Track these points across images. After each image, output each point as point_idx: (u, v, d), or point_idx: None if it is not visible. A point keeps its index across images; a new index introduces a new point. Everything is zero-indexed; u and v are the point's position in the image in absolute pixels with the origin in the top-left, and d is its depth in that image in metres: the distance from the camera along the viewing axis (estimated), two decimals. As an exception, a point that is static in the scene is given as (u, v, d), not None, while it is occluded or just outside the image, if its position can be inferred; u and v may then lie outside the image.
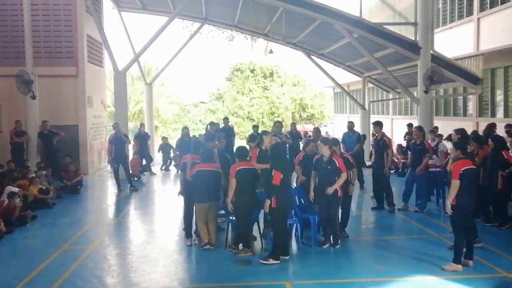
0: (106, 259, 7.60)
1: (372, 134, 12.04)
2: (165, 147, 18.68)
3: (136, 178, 15.41)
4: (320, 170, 7.74)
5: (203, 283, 6.56)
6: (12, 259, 7.58)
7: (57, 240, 8.53)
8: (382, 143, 10.36)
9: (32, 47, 14.76)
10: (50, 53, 16.34)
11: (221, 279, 6.56)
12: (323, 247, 7.72)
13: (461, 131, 9.31)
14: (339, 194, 7.65)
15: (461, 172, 6.57)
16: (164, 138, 20.07)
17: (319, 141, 8.02)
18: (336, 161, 7.59)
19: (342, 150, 13.10)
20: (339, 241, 7.81)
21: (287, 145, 11.42)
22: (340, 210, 8.19)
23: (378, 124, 10.66)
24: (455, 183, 6.57)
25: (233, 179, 7.42)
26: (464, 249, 6.75)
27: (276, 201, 7.07)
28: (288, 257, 7.25)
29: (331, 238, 7.79)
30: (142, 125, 18.56)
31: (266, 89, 42.49)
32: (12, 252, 8.00)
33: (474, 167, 6.79)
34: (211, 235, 7.85)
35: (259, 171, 7.84)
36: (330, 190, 7.49)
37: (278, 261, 7.02)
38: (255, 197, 7.70)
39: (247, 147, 9.15)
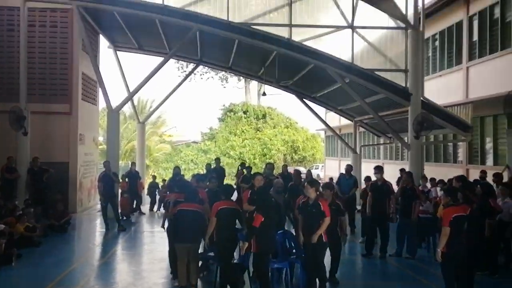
0: (91, 301, 7.45)
1: (366, 179, 12.13)
2: (152, 187, 18.55)
3: (125, 218, 15.27)
4: (304, 213, 7.57)
5: (189, 328, 6.42)
6: (-6, 300, 7.41)
7: (42, 280, 8.37)
8: (386, 188, 10.39)
9: (26, 83, 14.83)
10: (44, 90, 16.43)
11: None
12: None
13: (462, 178, 9.32)
14: (324, 240, 7.37)
15: (451, 219, 6.56)
16: (153, 177, 19.97)
17: (305, 183, 7.86)
18: (321, 204, 7.33)
19: (338, 193, 13.37)
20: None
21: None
22: (330, 256, 8.12)
23: (380, 170, 10.67)
24: (445, 230, 6.55)
25: (213, 218, 7.33)
26: None
27: (256, 244, 6.96)
28: None
29: (318, 284, 7.59)
30: (133, 163, 18.49)
31: (258, 130, 42.75)
32: (-5, 291, 7.83)
33: (465, 214, 6.77)
34: (192, 276, 7.66)
35: (241, 212, 7.77)
36: (314, 238, 7.22)
37: None
38: (236, 237, 7.59)
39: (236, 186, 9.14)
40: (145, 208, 17.78)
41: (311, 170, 18.48)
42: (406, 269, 9.54)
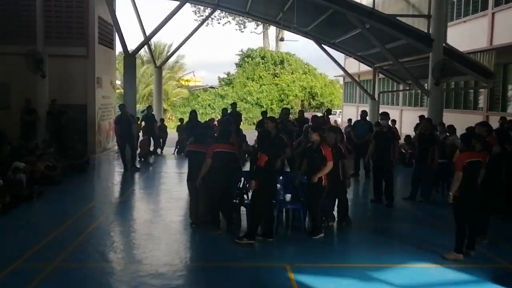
0: (110, 235, 7.69)
1: (376, 124, 11.99)
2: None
3: (142, 159, 15.56)
4: (307, 157, 7.71)
5: (204, 262, 6.62)
6: (18, 232, 7.71)
7: (62, 216, 8.64)
8: (391, 135, 10.12)
9: (43, 26, 14.78)
10: (61, 33, 16.35)
11: (222, 259, 6.62)
12: (313, 237, 7.52)
13: (487, 125, 9.17)
14: (323, 184, 7.43)
15: (465, 164, 6.59)
16: (161, 120, 20.11)
17: (309, 128, 7.90)
18: (322, 149, 7.39)
19: (352, 138, 13.34)
20: (320, 233, 7.54)
21: (294, 133, 11.47)
22: (336, 200, 8.21)
23: (386, 116, 10.42)
24: (458, 175, 6.61)
25: (208, 159, 7.47)
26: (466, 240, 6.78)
27: (260, 183, 7.13)
28: (272, 239, 7.27)
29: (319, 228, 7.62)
30: (149, 107, 18.60)
31: (276, 76, 42.37)
32: (18, 225, 8.13)
33: (479, 160, 6.75)
34: (201, 214, 7.98)
35: (237, 155, 7.90)
36: (314, 178, 7.35)
37: (252, 241, 7.08)
38: (230, 181, 7.73)
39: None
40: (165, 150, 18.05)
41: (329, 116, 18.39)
42: (419, 211, 9.64)
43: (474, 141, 6.92)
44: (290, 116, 17.23)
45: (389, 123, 10.71)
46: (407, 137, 16.52)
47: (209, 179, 7.58)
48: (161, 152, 18.07)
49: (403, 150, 15.59)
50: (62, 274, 6.00)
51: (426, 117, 13.05)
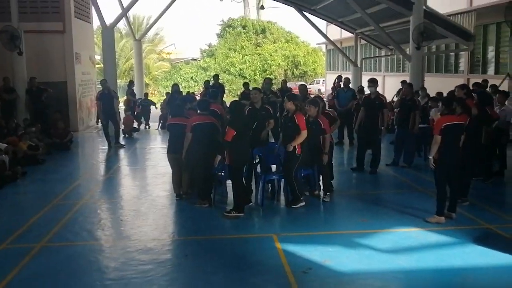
0: (97, 213, 7.70)
1: (359, 90, 11.97)
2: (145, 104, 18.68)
3: (126, 135, 15.49)
4: (283, 126, 7.77)
5: (191, 235, 6.67)
6: (2, 214, 7.67)
7: (47, 195, 8.60)
8: (379, 102, 9.91)
9: (17, 1, 14.37)
10: (36, 8, 15.98)
11: (210, 232, 6.69)
12: (293, 206, 7.60)
13: (465, 87, 9.24)
14: (297, 152, 7.40)
15: (442, 127, 6.67)
16: (145, 94, 20.04)
17: (285, 97, 7.80)
18: (296, 118, 7.37)
19: (336, 106, 13.33)
20: (299, 202, 7.57)
21: (277, 104, 11.43)
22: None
23: (374, 82, 10.16)
24: (436, 138, 6.70)
25: (188, 133, 7.53)
26: (448, 202, 6.93)
27: (229, 157, 7.20)
28: (242, 214, 7.26)
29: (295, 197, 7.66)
30: (131, 82, 18.41)
31: (258, 45, 42.08)
32: (3, 206, 8.09)
33: (460, 123, 6.83)
34: (183, 186, 8.14)
35: (217, 125, 7.85)
36: (289, 147, 7.36)
37: (241, 214, 7.17)
38: (211, 151, 7.72)
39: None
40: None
41: (311, 86, 18.38)
42: (402, 177, 9.78)
43: (454, 104, 6.99)
44: (273, 86, 17.17)
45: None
46: (389, 103, 16.62)
47: (190, 152, 7.62)
48: (147, 127, 18.05)
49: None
50: (50, 253, 6.02)
51: (407, 82, 13.13)
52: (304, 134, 7.35)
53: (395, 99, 14.24)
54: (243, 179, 7.56)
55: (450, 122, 6.72)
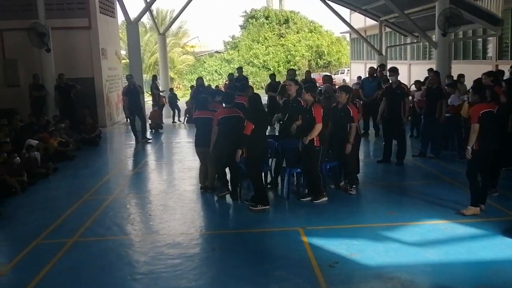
0: (126, 208, 7.85)
1: (385, 80, 11.79)
2: (172, 99, 18.83)
3: (153, 131, 15.68)
4: (303, 118, 7.64)
5: (218, 229, 6.75)
6: (36, 209, 7.86)
7: (79, 191, 8.80)
8: (400, 91, 9.78)
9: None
10: (62, 5, 16.21)
11: (236, 226, 6.78)
12: (302, 200, 7.61)
13: (493, 73, 9.04)
14: (315, 145, 7.31)
15: (480, 115, 6.52)
16: (171, 89, 20.16)
17: (304, 89, 7.73)
18: (313, 110, 7.28)
19: (362, 96, 13.18)
20: (322, 197, 7.52)
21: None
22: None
23: (395, 71, 10.10)
24: (475, 127, 6.52)
25: (215, 127, 7.58)
26: None
27: (248, 151, 7.21)
28: (267, 207, 7.29)
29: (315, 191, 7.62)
30: (154, 76, 18.58)
31: (281, 36, 41.86)
32: (36, 202, 8.29)
33: (493, 110, 6.68)
34: (209, 179, 8.23)
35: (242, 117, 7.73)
36: (305, 140, 7.30)
37: (267, 206, 7.22)
38: (238, 145, 7.61)
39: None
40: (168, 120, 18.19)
41: (335, 76, 18.17)
42: (429, 168, 9.67)
43: (487, 91, 6.84)
44: (297, 77, 17.12)
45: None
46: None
47: (217, 145, 7.66)
48: (179, 121, 18.23)
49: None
50: (82, 248, 6.17)
51: (434, 69, 12.91)
52: (318, 127, 7.25)
53: (413, 88, 13.98)
54: (270, 172, 7.58)
55: (486, 109, 6.57)
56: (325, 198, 7.57)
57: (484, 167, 6.79)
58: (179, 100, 19.31)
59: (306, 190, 7.81)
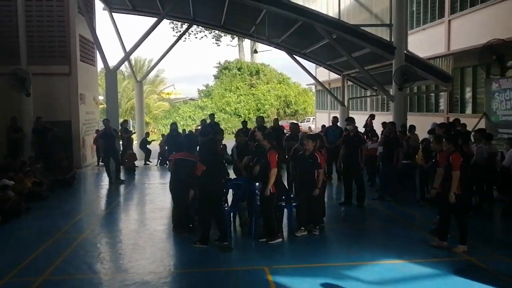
0: (96, 247, 7.62)
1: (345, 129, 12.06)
2: (144, 142, 18.94)
3: (127, 172, 15.49)
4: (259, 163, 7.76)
5: (186, 268, 6.62)
6: (6, 248, 7.58)
7: (50, 230, 8.53)
8: (358, 139, 10.15)
9: (26, 46, 14.50)
10: (43, 52, 16.18)
11: (204, 265, 6.64)
12: (260, 240, 7.53)
13: (445, 125, 9.38)
14: (271, 191, 7.38)
15: (461, 163, 6.79)
16: (147, 133, 20.24)
17: (262, 136, 7.89)
18: (269, 156, 7.37)
19: (325, 143, 13.36)
20: (276, 238, 7.48)
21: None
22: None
23: (352, 121, 10.49)
24: (456, 174, 6.74)
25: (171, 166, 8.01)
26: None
27: (198, 191, 7.41)
28: (207, 245, 7.28)
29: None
30: (125, 121, 18.52)
31: (252, 86, 42.57)
32: (6, 241, 7.99)
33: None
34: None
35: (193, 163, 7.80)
36: (266, 192, 7.35)
37: (205, 246, 7.26)
38: (187, 186, 7.76)
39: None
40: (139, 163, 17.97)
41: (301, 123, 18.46)
42: (388, 210, 9.77)
43: (460, 140, 7.12)
44: (266, 124, 17.30)
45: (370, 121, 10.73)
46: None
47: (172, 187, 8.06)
48: (147, 163, 18.11)
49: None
50: (52, 286, 5.94)
51: (391, 121, 13.27)
52: (274, 171, 7.32)
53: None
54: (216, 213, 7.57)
55: (462, 158, 6.87)
56: (280, 239, 7.53)
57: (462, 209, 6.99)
58: (149, 143, 19.25)
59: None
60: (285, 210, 8.32)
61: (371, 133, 13.26)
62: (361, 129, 14.06)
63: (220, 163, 7.89)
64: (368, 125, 16.13)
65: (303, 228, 7.88)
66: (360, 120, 14.09)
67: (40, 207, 10.53)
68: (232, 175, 9.48)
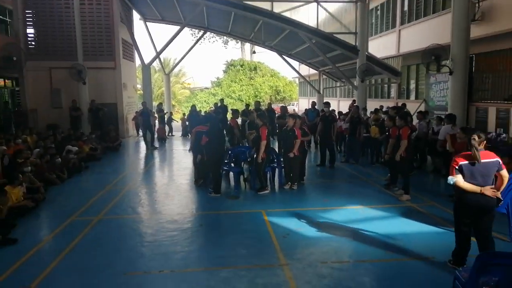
0: (138, 195, 7.66)
1: (322, 110, 11.98)
2: (169, 120, 18.77)
3: (163, 141, 15.49)
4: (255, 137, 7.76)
5: (205, 211, 6.65)
6: (71, 196, 7.62)
7: (103, 183, 8.56)
8: (331, 118, 10.15)
9: (82, 47, 14.29)
10: (95, 51, 15.84)
11: (217, 209, 6.68)
12: (259, 193, 7.47)
13: (397, 108, 9.33)
14: (261, 158, 7.37)
15: (408, 134, 6.85)
16: (171, 113, 20.05)
17: (256, 116, 7.89)
18: (261, 131, 7.34)
19: (306, 121, 13.27)
20: (264, 190, 7.44)
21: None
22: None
23: (328, 104, 10.57)
24: (405, 142, 6.80)
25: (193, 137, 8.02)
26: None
27: (205, 155, 7.49)
28: (219, 194, 7.34)
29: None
30: (160, 103, 18.35)
31: (251, 79, 41.94)
32: (71, 191, 8.04)
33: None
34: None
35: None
36: (258, 159, 7.37)
37: (218, 194, 7.30)
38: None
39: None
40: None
41: (288, 107, 18.32)
42: (351, 170, 9.79)
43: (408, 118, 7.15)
44: (261, 106, 17.13)
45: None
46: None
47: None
48: (171, 135, 17.99)
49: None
50: (105, 223, 5.98)
51: (355, 104, 13.20)
52: (263, 143, 7.32)
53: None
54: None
55: (409, 130, 6.98)
56: (267, 191, 7.51)
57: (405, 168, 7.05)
58: (174, 120, 19.19)
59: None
60: (276, 170, 8.34)
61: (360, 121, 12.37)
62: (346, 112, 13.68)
63: (221, 136, 7.75)
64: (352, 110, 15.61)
65: (289, 182, 7.88)
66: (333, 105, 13.91)
67: (95, 166, 10.54)
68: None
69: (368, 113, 12.51)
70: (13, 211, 6.03)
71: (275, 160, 8.33)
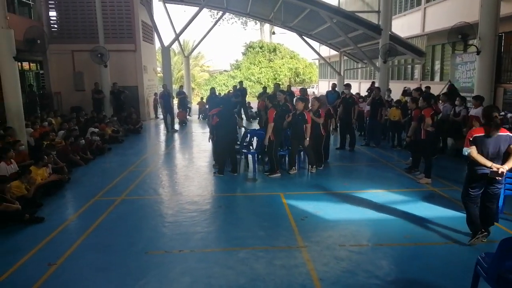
0: (159, 177, 7.78)
1: (342, 92, 11.77)
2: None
3: (184, 124, 15.60)
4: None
5: (224, 193, 6.69)
6: (95, 177, 7.81)
7: (125, 164, 8.74)
8: (352, 100, 9.93)
9: (103, 29, 14.38)
10: (115, 34, 15.97)
11: (236, 190, 6.73)
12: (265, 174, 7.48)
13: (420, 89, 9.03)
14: (271, 139, 7.27)
15: (431, 114, 6.67)
16: (201, 98, 20.04)
17: (266, 99, 7.75)
18: (268, 113, 7.23)
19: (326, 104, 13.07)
20: (275, 174, 7.35)
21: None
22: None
23: (349, 86, 10.30)
24: (428, 120, 6.62)
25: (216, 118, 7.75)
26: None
27: (215, 136, 7.52)
28: (222, 174, 7.50)
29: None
30: (181, 86, 18.43)
31: (270, 61, 41.48)
32: (95, 172, 8.23)
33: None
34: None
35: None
36: (265, 141, 7.34)
37: (221, 174, 7.47)
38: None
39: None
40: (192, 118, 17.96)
41: (308, 89, 18.07)
42: (372, 154, 9.64)
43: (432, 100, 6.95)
44: (281, 88, 16.95)
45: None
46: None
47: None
48: (189, 115, 18.11)
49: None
50: (127, 203, 6.12)
51: (376, 86, 12.86)
52: (271, 125, 7.21)
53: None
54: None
55: (432, 111, 6.82)
56: (278, 174, 7.42)
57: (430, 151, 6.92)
58: (189, 103, 19.30)
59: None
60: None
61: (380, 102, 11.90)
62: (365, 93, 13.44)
63: (231, 118, 7.63)
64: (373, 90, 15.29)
65: (294, 167, 7.69)
66: (354, 87, 13.62)
67: (117, 148, 10.74)
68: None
69: (391, 95, 12.20)
70: (40, 191, 6.25)
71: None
